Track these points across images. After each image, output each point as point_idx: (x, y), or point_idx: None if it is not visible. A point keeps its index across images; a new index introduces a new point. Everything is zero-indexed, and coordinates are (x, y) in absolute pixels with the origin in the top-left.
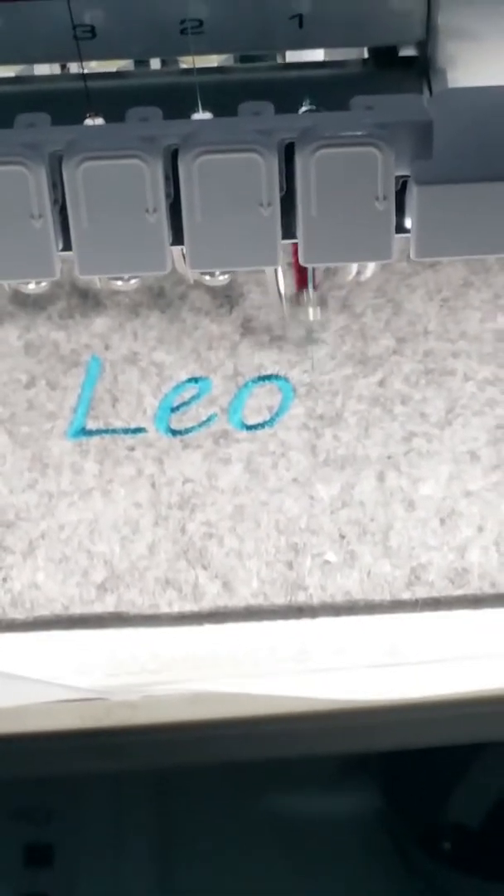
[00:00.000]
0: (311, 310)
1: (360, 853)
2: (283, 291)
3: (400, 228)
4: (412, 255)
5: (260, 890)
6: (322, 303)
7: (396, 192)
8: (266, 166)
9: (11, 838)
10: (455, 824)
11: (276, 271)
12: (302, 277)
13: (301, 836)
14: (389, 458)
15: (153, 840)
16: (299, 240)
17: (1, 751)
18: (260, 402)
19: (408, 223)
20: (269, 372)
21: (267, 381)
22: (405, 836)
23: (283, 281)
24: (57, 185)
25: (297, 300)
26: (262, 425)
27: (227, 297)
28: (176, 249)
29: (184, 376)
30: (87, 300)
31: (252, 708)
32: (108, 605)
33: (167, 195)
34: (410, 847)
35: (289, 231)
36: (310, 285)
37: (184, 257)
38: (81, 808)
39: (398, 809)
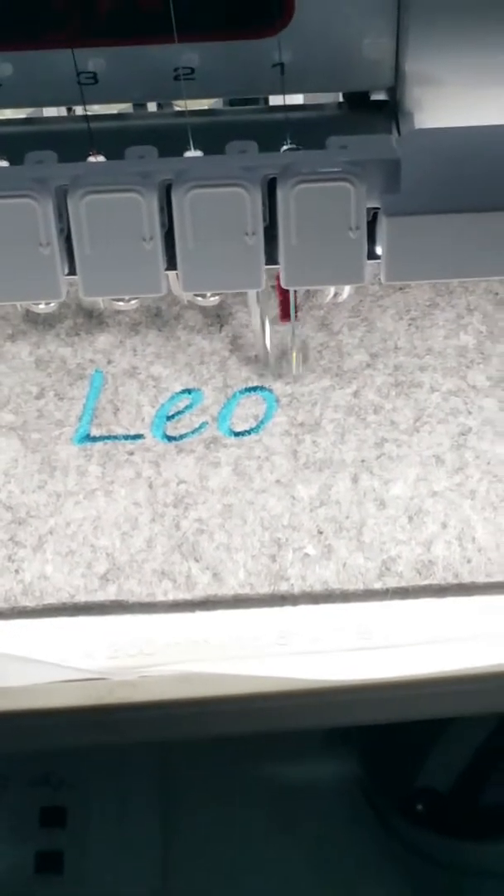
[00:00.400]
0: (294, 363)
1: (342, 815)
2: (269, 345)
3: (371, 255)
4: (382, 279)
5: (251, 848)
6: (302, 322)
7: (368, 223)
8: (251, 199)
9: (29, 802)
10: (427, 788)
11: (264, 325)
12: (285, 306)
13: (288, 799)
14: (363, 461)
15: (154, 802)
16: (281, 265)
17: (15, 724)
18: (246, 411)
19: (378, 250)
20: (254, 384)
21: (253, 393)
22: (383, 799)
23: (269, 334)
24: (63, 215)
25: (282, 346)
26: (248, 432)
27: (217, 317)
28: (170, 273)
29: (178, 388)
30: (91, 319)
31: (239, 687)
32: (109, 593)
33: (162, 225)
34: (387, 809)
35: (272, 258)
36: (292, 335)
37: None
38: (91, 776)
39: (376, 776)
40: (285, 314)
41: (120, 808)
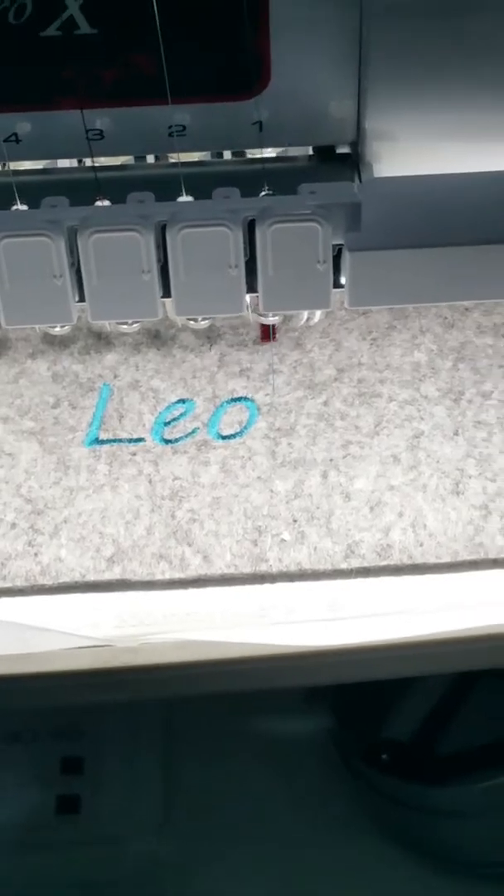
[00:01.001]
0: (271, 316)
1: (316, 764)
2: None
3: (337, 284)
4: (346, 305)
5: (240, 789)
6: (279, 343)
7: (333, 257)
8: (234, 237)
9: (51, 753)
10: (390, 739)
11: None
12: (265, 330)
13: (270, 748)
14: (331, 460)
15: (158, 752)
16: (259, 293)
17: (34, 685)
18: (232, 418)
19: (343, 280)
20: (239, 395)
21: (237, 402)
22: (351, 750)
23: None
24: (73, 251)
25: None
26: (233, 436)
27: (207, 338)
28: (166, 301)
29: (174, 398)
30: (100, 340)
31: (227, 652)
32: (115, 573)
33: (158, 259)
34: (355, 759)
35: (251, 287)
36: (271, 359)
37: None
38: (105, 730)
39: (345, 729)
40: (265, 336)
41: (129, 757)
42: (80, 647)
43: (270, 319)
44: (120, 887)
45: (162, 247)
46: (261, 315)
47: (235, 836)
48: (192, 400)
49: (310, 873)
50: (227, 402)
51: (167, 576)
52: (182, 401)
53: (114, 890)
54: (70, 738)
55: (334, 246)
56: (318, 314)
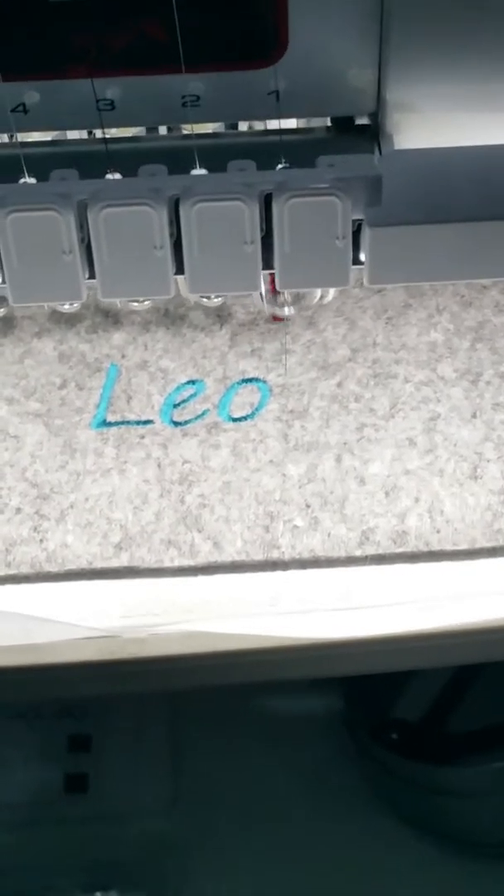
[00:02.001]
0: (286, 309)
1: (327, 743)
2: (264, 293)
3: (356, 261)
4: (365, 283)
5: (248, 768)
6: (292, 322)
7: (353, 232)
8: (249, 212)
9: (59, 731)
10: (399, 719)
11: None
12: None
13: (279, 727)
14: (345, 444)
15: (165, 729)
16: (276, 270)
17: (41, 676)
18: (243, 399)
19: (362, 257)
20: (250, 376)
21: (249, 383)
22: (361, 729)
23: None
24: (83, 226)
25: (273, 302)
26: (244, 418)
27: (218, 317)
28: (179, 277)
29: (183, 379)
30: (107, 318)
31: (236, 643)
32: (123, 560)
33: (171, 235)
34: (365, 738)
35: (268, 263)
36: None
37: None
38: (112, 707)
39: (355, 709)
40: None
41: (137, 735)
42: (85, 638)
43: (286, 312)
44: (127, 866)
45: (175, 222)
46: (276, 307)
47: (243, 815)
48: (202, 381)
49: (318, 853)
50: (238, 382)
51: (176, 563)
52: (192, 381)
53: (121, 868)
54: (77, 716)
55: (354, 221)
56: (331, 292)
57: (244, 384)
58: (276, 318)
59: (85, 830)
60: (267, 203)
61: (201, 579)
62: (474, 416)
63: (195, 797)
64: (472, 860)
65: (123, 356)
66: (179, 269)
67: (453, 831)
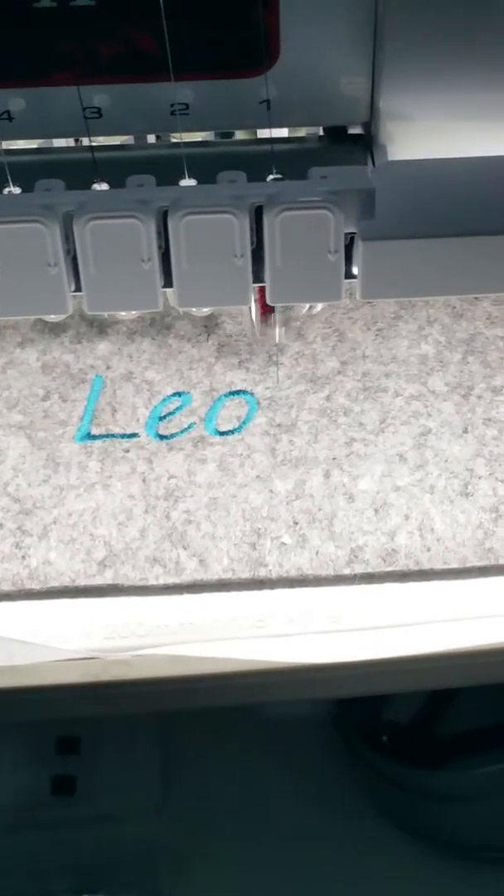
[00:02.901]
0: (277, 330)
1: (318, 746)
2: (255, 318)
3: (348, 275)
4: (358, 297)
5: (239, 772)
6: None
7: (345, 246)
8: (239, 225)
9: (47, 733)
10: (390, 722)
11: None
12: (265, 308)
13: (269, 730)
14: (334, 459)
15: (156, 733)
16: (266, 284)
17: (21, 698)
18: (230, 412)
19: (355, 271)
20: (238, 388)
21: (236, 396)
22: (351, 731)
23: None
24: (69, 238)
25: (265, 322)
26: (231, 432)
27: (204, 327)
28: (168, 291)
29: (169, 391)
30: (92, 328)
31: (223, 667)
32: (107, 578)
33: (159, 247)
34: (356, 740)
35: (258, 277)
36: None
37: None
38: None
39: (346, 712)
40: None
41: (126, 737)
42: (68, 660)
43: (276, 338)
44: (116, 869)
45: (163, 234)
46: (267, 330)
47: (233, 817)
48: (188, 393)
49: (309, 856)
50: (225, 395)
51: (161, 581)
52: (178, 394)
53: (109, 871)
54: (66, 720)
55: (346, 234)
56: (320, 303)
57: (231, 397)
58: (265, 311)
59: (73, 833)
60: (258, 215)
61: (187, 598)
62: (465, 430)
63: (185, 799)
64: (462, 864)
65: (108, 367)
66: (168, 283)
67: (443, 835)
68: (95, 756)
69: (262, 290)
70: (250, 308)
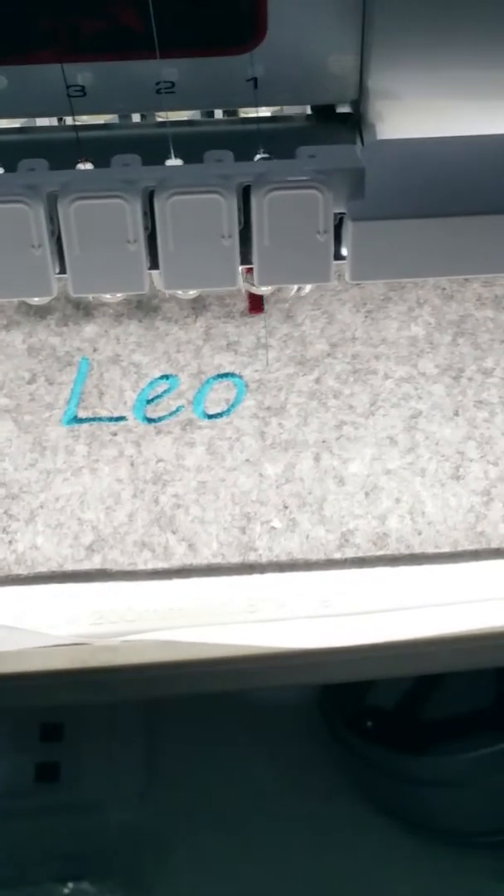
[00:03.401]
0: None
1: (303, 731)
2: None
3: (337, 256)
4: (347, 279)
5: (224, 758)
6: (268, 314)
7: (334, 227)
8: (227, 205)
9: (30, 719)
10: (375, 707)
11: None
12: (254, 300)
13: (254, 715)
14: (324, 442)
15: (139, 718)
16: (255, 265)
17: (7, 685)
18: (219, 395)
19: (344, 252)
20: (226, 371)
21: (224, 379)
22: (336, 717)
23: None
24: (54, 219)
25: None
26: (220, 415)
27: (192, 309)
28: (154, 273)
29: (157, 374)
30: (78, 311)
31: (212, 652)
32: (95, 563)
33: (145, 228)
34: (340, 726)
35: (246, 258)
36: (266, 331)
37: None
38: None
39: (331, 697)
40: (254, 308)
41: (110, 723)
42: (55, 646)
43: (262, 290)
44: (100, 855)
45: (149, 215)
46: (252, 284)
47: (218, 803)
48: (176, 376)
49: (293, 842)
50: (214, 378)
51: (150, 565)
52: (165, 376)
53: (94, 858)
54: (49, 706)
55: (336, 215)
56: (309, 285)
57: (219, 379)
58: (253, 311)
59: (57, 820)
60: (245, 195)
61: (176, 583)
62: (456, 413)
63: (169, 786)
64: (447, 849)
65: (95, 350)
66: (154, 264)
67: (427, 819)
68: (79, 742)
69: (251, 299)
70: None
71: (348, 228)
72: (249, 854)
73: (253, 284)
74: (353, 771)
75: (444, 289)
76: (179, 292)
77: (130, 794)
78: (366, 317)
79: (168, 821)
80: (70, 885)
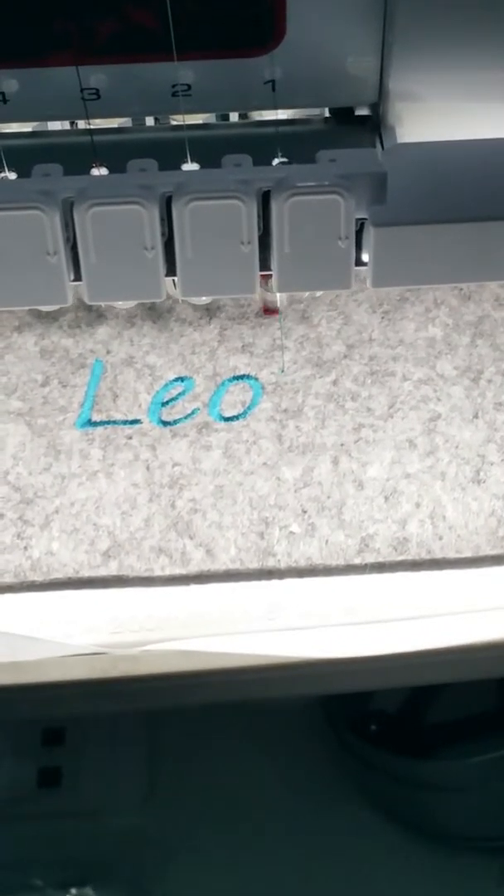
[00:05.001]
0: (278, 296)
1: (307, 735)
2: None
3: (358, 262)
4: (369, 285)
5: (227, 762)
6: (283, 316)
7: (356, 232)
8: (246, 211)
9: (32, 724)
10: (379, 711)
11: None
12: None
13: (257, 718)
14: (342, 445)
15: (142, 723)
16: (274, 272)
17: (27, 696)
18: (235, 397)
19: (365, 258)
20: (242, 372)
21: (240, 381)
22: (339, 720)
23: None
24: (69, 226)
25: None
26: (236, 417)
27: (206, 311)
28: (169, 279)
29: (172, 376)
30: (91, 312)
31: (234, 661)
32: (111, 569)
33: (162, 234)
34: (344, 729)
35: (265, 265)
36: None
37: (174, 284)
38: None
39: (335, 700)
40: (269, 309)
41: (111, 728)
42: (74, 655)
43: (274, 299)
44: (103, 861)
45: (167, 221)
46: (267, 290)
47: (221, 807)
48: (191, 378)
49: (296, 846)
50: (229, 380)
51: (167, 571)
52: (180, 378)
53: (97, 863)
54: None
55: (357, 220)
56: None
57: (235, 381)
58: (267, 312)
59: (59, 825)
60: (265, 201)
61: (194, 589)
62: (476, 416)
63: (171, 791)
64: (450, 853)
65: (108, 352)
66: (171, 271)
67: (431, 823)
68: (81, 747)
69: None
70: None
71: (370, 234)
72: (252, 859)
73: (269, 291)
74: (356, 775)
75: (461, 289)
76: (192, 298)
77: (132, 799)
78: (382, 318)
79: (170, 825)
80: (73, 890)
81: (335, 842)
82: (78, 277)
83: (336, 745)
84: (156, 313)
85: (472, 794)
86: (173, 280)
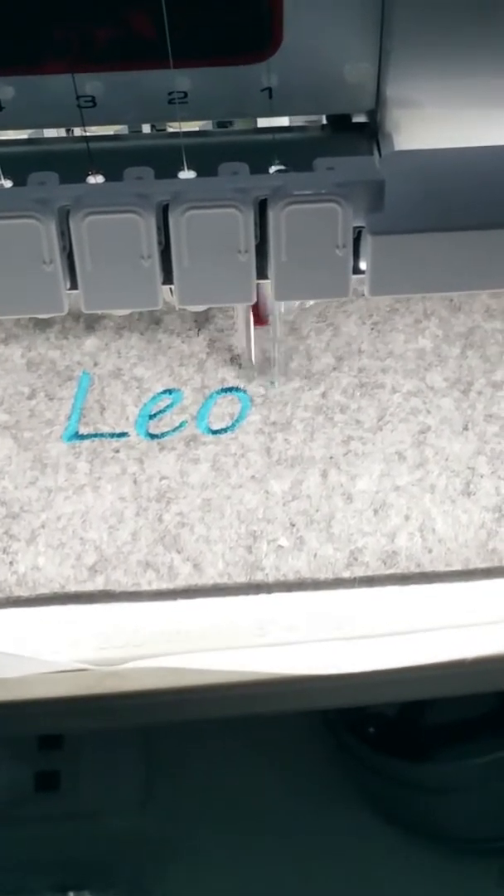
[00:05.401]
0: (277, 377)
1: (305, 737)
2: (254, 357)
3: (356, 270)
4: (367, 294)
5: (224, 765)
6: (273, 326)
7: (353, 240)
8: (243, 219)
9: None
10: (378, 713)
11: (249, 340)
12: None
13: (255, 722)
14: (331, 458)
15: (139, 727)
16: (271, 280)
17: (11, 713)
18: (223, 410)
19: (363, 266)
20: (230, 385)
21: (228, 393)
22: (339, 723)
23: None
24: (65, 234)
25: (264, 359)
26: (224, 430)
27: (195, 322)
28: (165, 287)
29: (159, 388)
30: (79, 323)
31: (222, 678)
32: (98, 584)
33: (159, 243)
34: (344, 732)
35: (262, 273)
36: (274, 352)
37: (170, 292)
38: None
39: None
40: (258, 320)
41: (109, 731)
42: (59, 672)
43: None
44: (101, 864)
45: (163, 230)
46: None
47: (218, 811)
48: (179, 390)
49: (295, 848)
50: (217, 392)
51: (154, 586)
52: (168, 391)
53: (94, 867)
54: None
55: (354, 228)
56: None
57: (223, 394)
58: (257, 323)
59: (57, 829)
60: (262, 209)
61: (181, 604)
62: (466, 427)
63: (169, 793)
64: (450, 854)
65: (96, 364)
66: (168, 280)
67: (430, 825)
68: (79, 751)
69: (254, 310)
70: (249, 347)
71: (367, 242)
72: (251, 861)
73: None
74: (355, 777)
75: (451, 300)
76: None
77: (130, 802)
78: (372, 329)
79: (169, 828)
80: (71, 894)
81: (335, 843)
82: (74, 286)
83: (335, 748)
84: (143, 324)
85: (471, 796)
86: (170, 288)
